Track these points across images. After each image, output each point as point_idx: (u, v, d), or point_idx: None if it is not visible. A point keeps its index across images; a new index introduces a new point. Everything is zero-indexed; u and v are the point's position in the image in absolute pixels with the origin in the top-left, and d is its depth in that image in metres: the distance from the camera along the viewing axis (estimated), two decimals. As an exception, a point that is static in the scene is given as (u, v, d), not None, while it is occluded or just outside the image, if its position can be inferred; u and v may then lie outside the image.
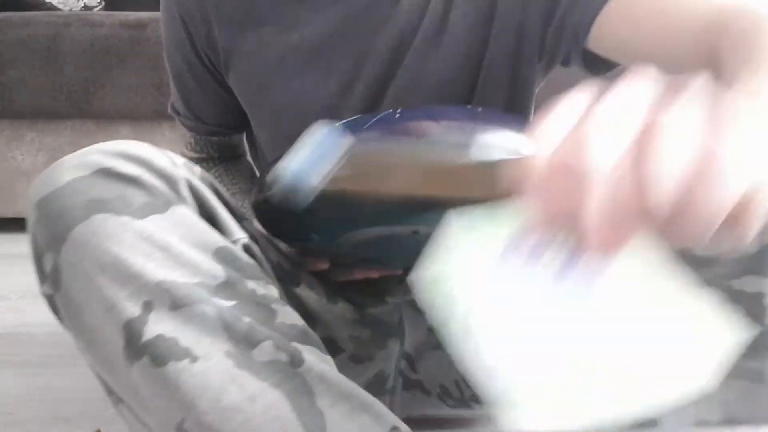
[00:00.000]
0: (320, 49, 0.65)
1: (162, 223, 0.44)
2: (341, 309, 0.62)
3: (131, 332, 0.41)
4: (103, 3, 1.82)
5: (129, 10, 1.55)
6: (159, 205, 0.45)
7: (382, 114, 0.51)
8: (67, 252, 0.42)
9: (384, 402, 0.68)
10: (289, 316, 0.48)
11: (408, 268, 0.67)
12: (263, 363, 0.43)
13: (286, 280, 0.55)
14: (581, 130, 0.25)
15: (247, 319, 0.44)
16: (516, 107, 0.68)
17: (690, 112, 0.25)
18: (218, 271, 0.45)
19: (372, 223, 0.49)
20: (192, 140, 0.77)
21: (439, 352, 0.65)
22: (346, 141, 0.48)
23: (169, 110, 0.78)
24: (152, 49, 1.47)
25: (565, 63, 0.65)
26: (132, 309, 0.41)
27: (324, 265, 0.58)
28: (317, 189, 0.47)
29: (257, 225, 0.57)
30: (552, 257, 0.29)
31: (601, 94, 0.27)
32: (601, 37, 0.59)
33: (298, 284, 0.57)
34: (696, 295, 0.30)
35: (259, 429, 0.41)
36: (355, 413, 0.44)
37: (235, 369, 0.42)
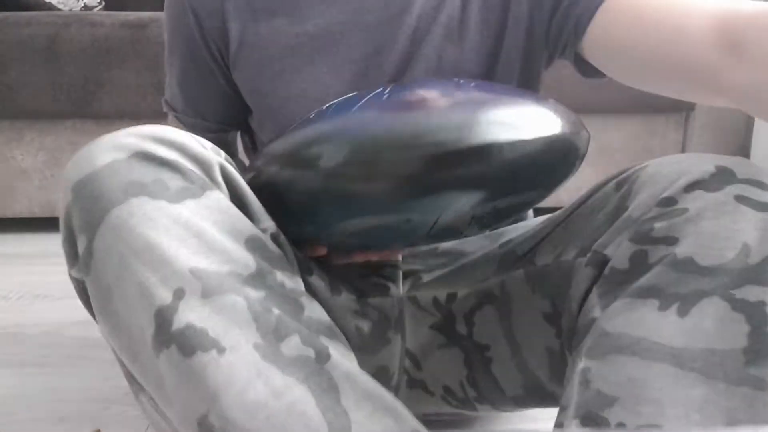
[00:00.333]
0: (334, 38, 0.65)
1: (197, 209, 0.44)
2: (344, 299, 0.62)
3: (162, 319, 0.41)
4: (103, 3, 1.82)
5: (129, 10, 1.55)
6: (195, 190, 0.45)
7: (375, 91, 0.50)
8: (102, 234, 0.42)
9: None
10: (316, 310, 0.48)
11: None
12: (290, 358, 0.43)
13: (301, 269, 0.55)
14: None
15: (276, 311, 0.44)
16: None
17: None
18: (249, 260, 0.45)
19: (366, 213, 0.49)
20: None
21: (443, 350, 0.66)
22: (339, 122, 0.48)
23: (164, 107, 0.77)
24: (152, 49, 1.47)
25: (560, 55, 0.67)
26: (164, 295, 0.41)
27: (322, 251, 0.58)
28: (308, 175, 0.48)
29: None
30: None
31: None
32: (601, 33, 0.59)
33: (311, 273, 0.57)
34: None
35: (282, 426, 0.41)
36: (379, 414, 0.44)
37: (262, 362, 0.42)
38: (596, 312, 0.48)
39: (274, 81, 0.67)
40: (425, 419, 0.71)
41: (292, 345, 0.43)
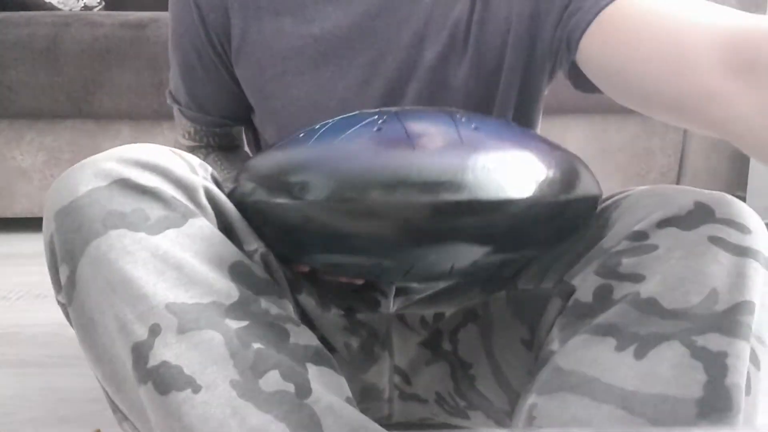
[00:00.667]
0: (339, 43, 0.64)
1: (178, 238, 0.43)
2: (333, 315, 0.61)
3: (138, 356, 0.41)
4: (103, 3, 1.82)
5: (129, 10, 1.55)
6: (176, 218, 0.44)
7: (368, 118, 0.46)
8: (83, 266, 0.42)
9: (383, 409, 0.68)
10: (303, 335, 0.47)
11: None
12: (269, 393, 0.42)
13: (291, 288, 0.55)
14: None
15: (256, 345, 0.43)
16: (525, 112, 0.68)
17: None
18: (232, 289, 0.44)
19: (344, 251, 0.45)
20: (191, 129, 0.77)
21: (431, 366, 0.65)
22: (327, 151, 0.43)
23: (168, 100, 0.77)
24: (152, 49, 1.47)
25: (559, 67, 0.65)
26: (140, 331, 0.41)
27: (305, 268, 0.57)
28: (289, 204, 0.44)
29: None
30: None
31: None
32: (596, 50, 0.56)
33: (300, 292, 0.57)
34: None
35: None
36: None
37: (238, 399, 0.41)
38: (555, 345, 0.47)
39: (276, 82, 0.66)
40: (424, 423, 0.71)
41: (271, 380, 0.42)
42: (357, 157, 0.42)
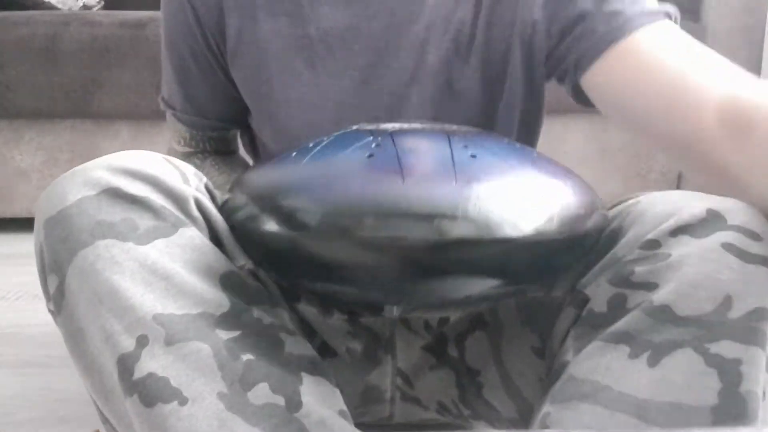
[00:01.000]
0: (336, 44, 0.63)
1: (167, 248, 0.43)
2: (336, 320, 0.61)
3: (123, 368, 0.41)
4: (103, 2, 1.82)
5: (128, 10, 1.55)
6: (166, 228, 0.43)
7: (363, 138, 0.45)
8: (71, 276, 0.42)
9: (384, 410, 0.67)
10: (298, 345, 0.46)
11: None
12: (258, 406, 0.41)
13: (287, 296, 0.54)
14: None
15: (246, 357, 0.42)
16: (530, 119, 0.67)
17: None
18: (222, 299, 0.43)
19: (333, 281, 0.43)
20: (187, 135, 0.76)
21: (435, 371, 0.64)
22: (320, 175, 0.42)
23: (161, 105, 0.76)
24: (152, 48, 1.46)
25: (559, 81, 0.65)
26: (127, 343, 0.41)
27: None
28: (277, 228, 0.42)
29: None
30: None
31: None
32: (602, 80, 0.57)
33: (298, 299, 0.56)
34: None
35: None
36: None
37: (226, 412, 0.40)
38: (569, 355, 0.47)
39: (272, 83, 0.66)
40: (424, 424, 0.71)
41: (260, 393, 0.42)
42: (346, 187, 0.40)
